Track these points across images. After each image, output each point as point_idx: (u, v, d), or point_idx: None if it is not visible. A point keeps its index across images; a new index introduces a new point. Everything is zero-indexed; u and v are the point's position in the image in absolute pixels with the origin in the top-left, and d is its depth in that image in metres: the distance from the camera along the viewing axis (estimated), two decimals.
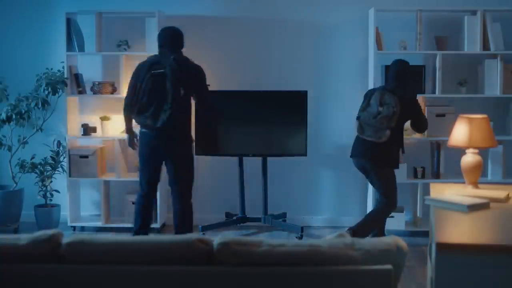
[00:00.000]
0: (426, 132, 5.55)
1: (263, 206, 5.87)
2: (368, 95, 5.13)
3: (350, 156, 5.21)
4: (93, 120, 6.06)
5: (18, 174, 5.93)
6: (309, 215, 6.17)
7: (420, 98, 5.49)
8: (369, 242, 2.49)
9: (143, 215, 5.09)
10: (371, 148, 5.02)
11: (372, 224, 5.10)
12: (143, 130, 4.95)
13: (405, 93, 5.05)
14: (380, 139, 4.95)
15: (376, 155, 5.02)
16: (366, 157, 5.06)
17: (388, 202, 5.08)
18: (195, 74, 4.96)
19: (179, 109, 4.85)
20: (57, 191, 5.97)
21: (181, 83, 4.82)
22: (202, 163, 6.10)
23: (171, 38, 4.97)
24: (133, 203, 5.85)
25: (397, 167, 5.13)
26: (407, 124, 5.20)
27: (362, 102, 5.17)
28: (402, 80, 5.10)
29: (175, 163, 5.02)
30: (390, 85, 5.09)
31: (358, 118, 5.09)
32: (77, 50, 5.85)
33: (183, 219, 5.09)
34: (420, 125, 5.15)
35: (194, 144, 5.22)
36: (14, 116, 5.76)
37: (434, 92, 5.69)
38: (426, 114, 5.49)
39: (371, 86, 5.77)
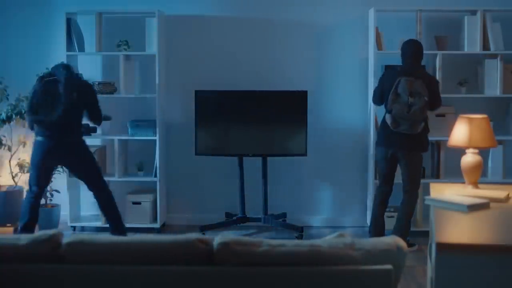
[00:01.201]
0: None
1: (263, 206, 5.87)
2: (386, 81, 5.11)
3: (378, 145, 5.24)
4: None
5: (18, 174, 5.92)
6: (309, 215, 6.17)
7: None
8: (369, 242, 2.49)
9: (32, 213, 5.25)
10: (406, 139, 5.04)
11: (407, 224, 5.21)
12: (39, 139, 5.07)
13: (425, 73, 5.10)
14: (416, 131, 4.99)
15: (412, 144, 5.07)
16: (402, 147, 5.08)
17: (410, 197, 5.20)
18: (88, 91, 5.17)
19: (72, 107, 5.00)
20: (57, 191, 5.97)
21: (73, 88, 4.98)
22: (202, 163, 6.10)
23: (62, 65, 5.22)
24: (133, 203, 5.88)
25: (427, 149, 5.19)
26: None
27: (377, 87, 5.24)
28: (419, 60, 5.16)
29: (81, 165, 5.26)
30: (410, 67, 5.10)
31: (390, 111, 5.03)
32: (77, 50, 5.86)
33: (112, 209, 5.36)
34: (436, 104, 5.16)
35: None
36: (14, 116, 5.76)
37: None
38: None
39: (371, 86, 5.77)
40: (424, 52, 5.69)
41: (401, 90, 4.97)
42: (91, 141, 6.07)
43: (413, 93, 4.93)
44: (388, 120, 5.05)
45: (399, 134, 5.03)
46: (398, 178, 5.31)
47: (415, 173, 5.19)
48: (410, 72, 5.04)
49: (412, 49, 5.13)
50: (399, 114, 4.97)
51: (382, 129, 5.20)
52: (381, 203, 5.32)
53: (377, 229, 5.31)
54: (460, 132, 3.79)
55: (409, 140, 5.04)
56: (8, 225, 5.83)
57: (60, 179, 5.99)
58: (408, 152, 5.10)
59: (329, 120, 6.08)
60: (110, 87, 5.87)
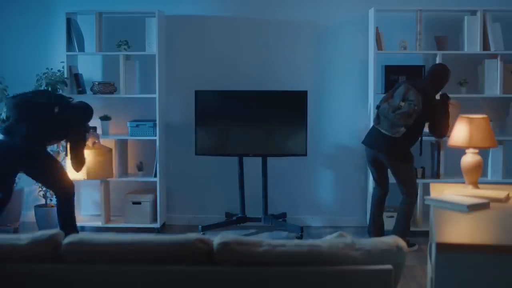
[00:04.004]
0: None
1: (263, 206, 5.87)
2: (395, 87, 5.12)
3: (363, 143, 5.26)
4: (93, 120, 6.04)
5: (18, 174, 5.91)
6: (309, 215, 6.17)
7: None
8: (369, 242, 2.49)
9: None
10: (385, 141, 5.04)
11: (407, 224, 5.19)
12: None
13: (431, 93, 5.07)
14: (394, 135, 4.97)
15: (391, 150, 5.05)
16: (381, 150, 5.09)
17: (408, 198, 5.17)
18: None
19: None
20: None
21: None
22: (202, 163, 6.10)
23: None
24: (133, 203, 5.88)
25: (412, 160, 5.13)
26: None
27: (384, 89, 5.25)
28: (437, 81, 5.12)
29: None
30: (421, 82, 5.11)
31: (377, 107, 5.10)
32: (77, 50, 5.85)
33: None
34: (436, 129, 5.09)
35: None
36: None
37: None
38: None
39: (371, 86, 5.78)
40: (424, 52, 5.71)
41: (396, 94, 5.01)
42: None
43: (406, 99, 4.94)
44: (373, 115, 5.08)
45: (382, 136, 5.05)
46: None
47: (404, 178, 5.16)
48: (416, 84, 5.04)
49: (435, 68, 5.19)
50: (384, 111, 5.02)
51: (370, 127, 5.28)
52: (376, 204, 5.35)
53: (376, 229, 5.32)
54: (460, 132, 3.79)
55: (388, 144, 5.03)
56: (8, 225, 5.83)
57: None
58: (389, 159, 5.09)
59: (329, 120, 6.08)
60: (110, 87, 5.87)
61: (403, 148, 5.06)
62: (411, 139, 5.07)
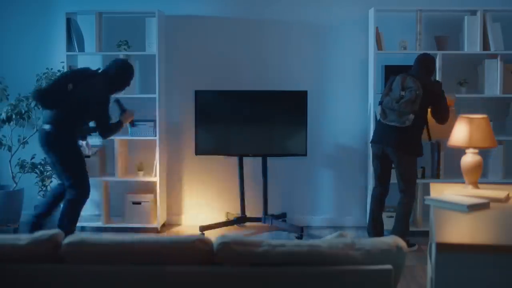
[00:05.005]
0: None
1: (263, 206, 5.87)
2: (390, 80, 5.13)
3: (371, 142, 5.26)
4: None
5: (18, 174, 5.92)
6: (309, 215, 6.17)
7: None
8: (369, 242, 2.49)
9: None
10: (394, 133, 5.04)
11: (406, 224, 5.18)
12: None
13: (428, 79, 5.08)
14: (404, 124, 4.97)
15: (399, 141, 5.05)
16: (389, 143, 5.08)
17: (406, 197, 5.17)
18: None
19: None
20: None
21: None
22: (202, 163, 6.10)
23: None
24: (133, 203, 5.88)
25: (421, 154, 5.14)
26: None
27: (384, 88, 5.23)
28: (426, 68, 5.13)
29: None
30: (413, 71, 5.12)
31: (380, 103, 5.11)
32: (77, 50, 5.86)
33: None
34: (440, 114, 5.10)
35: None
36: (14, 116, 5.76)
37: None
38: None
39: (371, 86, 5.79)
40: (424, 51, 5.70)
41: (394, 85, 5.04)
42: (92, 141, 6.06)
43: (405, 87, 4.97)
44: (378, 111, 5.11)
45: (390, 129, 5.05)
46: (394, 178, 5.32)
47: (407, 173, 5.16)
48: (410, 73, 5.07)
49: (421, 58, 5.17)
50: (388, 104, 5.03)
51: (376, 125, 5.27)
52: (376, 203, 5.34)
53: (376, 229, 5.31)
54: (460, 132, 3.79)
55: (396, 135, 5.04)
56: (8, 225, 5.83)
57: None
58: (397, 151, 5.09)
59: (329, 120, 6.08)
60: None
61: (410, 137, 5.05)
62: (417, 126, 5.06)
